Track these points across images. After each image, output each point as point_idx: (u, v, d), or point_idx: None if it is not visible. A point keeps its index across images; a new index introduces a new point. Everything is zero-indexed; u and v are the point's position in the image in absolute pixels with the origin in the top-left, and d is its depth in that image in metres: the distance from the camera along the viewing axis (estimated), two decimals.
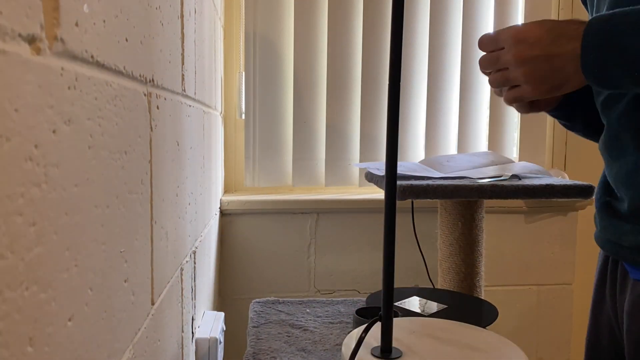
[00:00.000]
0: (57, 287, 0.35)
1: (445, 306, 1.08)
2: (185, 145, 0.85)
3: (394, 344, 0.55)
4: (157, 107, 0.64)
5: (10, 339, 0.29)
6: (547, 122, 1.73)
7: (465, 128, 1.70)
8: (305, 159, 1.67)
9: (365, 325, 0.56)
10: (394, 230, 0.55)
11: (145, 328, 0.59)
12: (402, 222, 1.71)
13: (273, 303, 1.13)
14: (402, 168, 1.31)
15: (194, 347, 1.01)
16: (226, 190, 1.70)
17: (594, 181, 1.70)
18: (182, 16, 0.80)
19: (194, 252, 0.99)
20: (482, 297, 1.28)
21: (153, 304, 0.63)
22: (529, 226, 1.72)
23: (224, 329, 1.22)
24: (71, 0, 0.37)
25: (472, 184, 1.13)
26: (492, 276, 1.70)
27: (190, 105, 0.90)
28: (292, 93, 1.64)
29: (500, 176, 1.23)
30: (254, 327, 1.01)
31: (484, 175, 1.23)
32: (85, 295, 0.40)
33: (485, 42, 0.68)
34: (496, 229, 1.70)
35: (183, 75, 0.82)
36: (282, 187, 1.69)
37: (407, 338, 0.58)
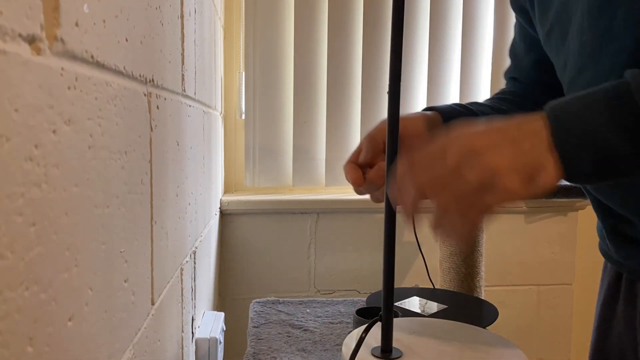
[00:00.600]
0: (57, 287, 0.35)
1: (446, 306, 1.08)
2: (185, 145, 0.85)
3: (394, 344, 0.55)
4: (157, 107, 0.64)
5: (10, 339, 0.29)
6: None
7: None
8: (305, 159, 1.67)
9: (366, 325, 0.56)
10: (394, 229, 0.55)
11: (145, 328, 0.59)
12: (402, 222, 1.71)
13: (273, 303, 1.13)
14: None
15: (194, 347, 1.01)
16: (226, 190, 1.70)
17: None
18: (182, 16, 0.80)
19: (194, 252, 0.99)
20: (482, 297, 1.28)
21: (153, 304, 0.63)
22: (529, 226, 1.72)
23: (224, 329, 1.22)
24: (71, 1, 0.37)
25: None
26: (492, 276, 1.70)
27: (190, 105, 0.90)
28: (292, 93, 1.64)
29: None
30: (254, 327, 1.01)
31: None
32: (85, 295, 0.40)
33: (421, 159, 0.50)
34: (496, 229, 1.70)
35: (183, 75, 0.82)
36: (282, 187, 1.69)
37: (407, 338, 0.58)
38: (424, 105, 1.67)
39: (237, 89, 1.66)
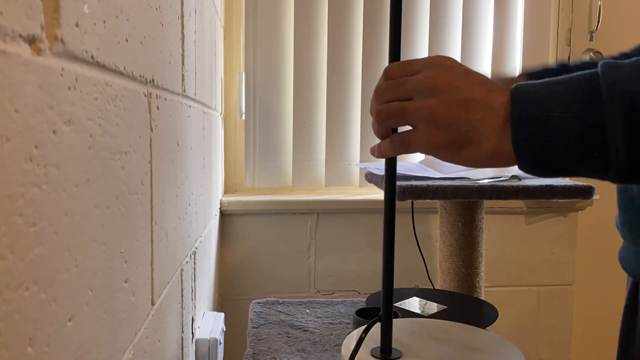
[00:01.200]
0: (57, 288, 0.35)
1: (445, 307, 1.08)
2: (185, 145, 0.85)
3: (394, 344, 0.55)
4: (158, 108, 0.64)
5: (10, 339, 0.29)
6: None
7: None
8: (305, 160, 1.67)
9: (365, 325, 0.56)
10: (393, 230, 0.55)
11: (145, 328, 0.59)
12: (402, 223, 1.71)
13: (273, 304, 1.13)
14: (401, 168, 1.31)
15: (194, 347, 1.01)
16: (226, 191, 1.70)
17: (594, 182, 1.70)
18: (182, 17, 0.80)
19: (194, 253, 0.99)
20: (482, 298, 1.28)
21: (153, 304, 0.63)
22: (529, 227, 1.72)
23: (224, 329, 1.22)
24: (71, 1, 0.37)
25: (472, 184, 1.13)
26: (492, 277, 1.70)
27: (190, 106, 0.90)
28: (292, 93, 1.64)
29: (500, 177, 1.23)
30: (254, 327, 1.01)
31: (484, 175, 1.23)
32: (85, 295, 0.40)
33: (395, 67, 0.51)
34: (496, 230, 1.70)
35: (183, 75, 0.82)
36: (282, 188, 1.69)
37: (406, 339, 0.58)
38: None
39: (237, 89, 1.66)
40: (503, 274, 1.72)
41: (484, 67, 1.69)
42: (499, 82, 0.50)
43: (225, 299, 1.63)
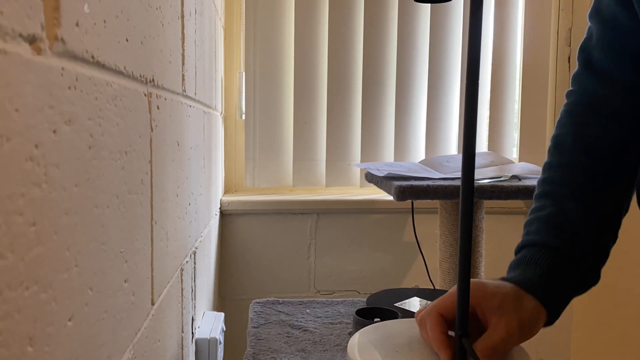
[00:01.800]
0: (57, 287, 0.35)
1: None
2: (185, 145, 0.85)
3: (393, 347, 0.55)
4: (158, 108, 0.64)
5: (10, 339, 0.29)
6: (547, 122, 1.73)
7: None
8: (305, 160, 1.67)
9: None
10: (470, 228, 0.50)
11: (145, 328, 0.59)
12: (402, 223, 1.71)
13: (273, 303, 1.13)
14: (401, 168, 1.31)
15: (194, 347, 1.01)
16: (226, 191, 1.70)
17: None
18: (182, 16, 0.80)
19: (194, 253, 0.99)
20: None
21: (153, 304, 0.63)
22: None
23: (224, 329, 1.22)
24: (72, 1, 0.37)
25: None
26: (492, 276, 1.70)
27: (190, 106, 0.90)
28: (292, 93, 1.64)
29: (500, 177, 1.23)
30: (254, 327, 1.01)
31: (484, 175, 1.23)
32: (85, 295, 0.40)
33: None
34: (496, 230, 1.70)
35: (183, 75, 0.82)
36: (282, 188, 1.69)
37: (404, 341, 0.58)
38: (425, 107, 1.67)
39: (237, 89, 1.66)
40: (503, 273, 1.72)
41: (484, 67, 1.69)
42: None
43: (225, 299, 1.63)
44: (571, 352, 1.76)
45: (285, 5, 1.63)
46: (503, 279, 0.62)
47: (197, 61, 0.97)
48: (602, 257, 0.63)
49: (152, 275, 0.62)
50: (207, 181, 1.18)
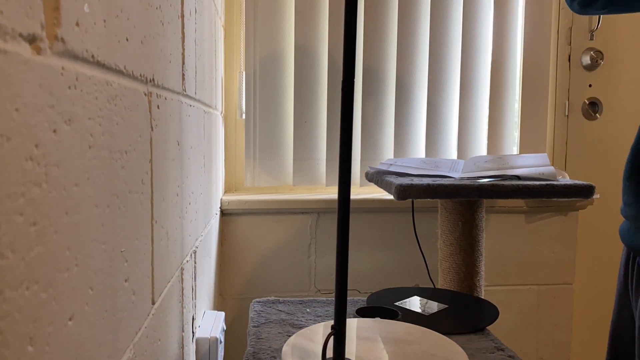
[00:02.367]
0: (57, 287, 0.35)
1: (446, 306, 1.08)
2: (185, 145, 0.85)
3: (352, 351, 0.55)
4: (158, 107, 0.64)
5: (10, 339, 0.29)
6: (547, 122, 1.73)
7: (465, 128, 1.70)
8: (305, 159, 1.67)
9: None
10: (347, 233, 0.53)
11: (145, 328, 0.59)
12: (402, 222, 1.71)
13: (273, 303, 1.13)
14: (410, 163, 1.31)
15: (195, 346, 1.01)
16: (227, 190, 1.70)
17: (595, 181, 1.70)
18: (182, 16, 0.80)
19: (195, 252, 0.99)
20: (483, 297, 1.28)
21: (153, 303, 0.63)
22: (530, 226, 1.72)
23: (225, 328, 1.22)
24: (72, 0, 0.37)
25: (472, 183, 1.13)
26: (492, 276, 1.70)
27: (190, 105, 0.90)
28: (292, 92, 1.64)
29: (500, 176, 1.23)
30: (254, 326, 1.01)
31: (485, 174, 1.23)
32: (85, 294, 0.40)
33: None
34: (496, 229, 1.70)
35: (183, 75, 0.82)
36: (282, 187, 1.69)
37: (363, 344, 0.58)
38: (425, 107, 1.67)
39: (237, 89, 1.66)
40: (503, 273, 1.72)
41: (484, 66, 1.69)
42: None
43: (226, 298, 1.63)
44: (571, 352, 1.76)
45: (285, 5, 1.63)
46: None
47: (197, 60, 0.97)
48: None
49: (152, 275, 0.62)
50: (207, 180, 1.18)
